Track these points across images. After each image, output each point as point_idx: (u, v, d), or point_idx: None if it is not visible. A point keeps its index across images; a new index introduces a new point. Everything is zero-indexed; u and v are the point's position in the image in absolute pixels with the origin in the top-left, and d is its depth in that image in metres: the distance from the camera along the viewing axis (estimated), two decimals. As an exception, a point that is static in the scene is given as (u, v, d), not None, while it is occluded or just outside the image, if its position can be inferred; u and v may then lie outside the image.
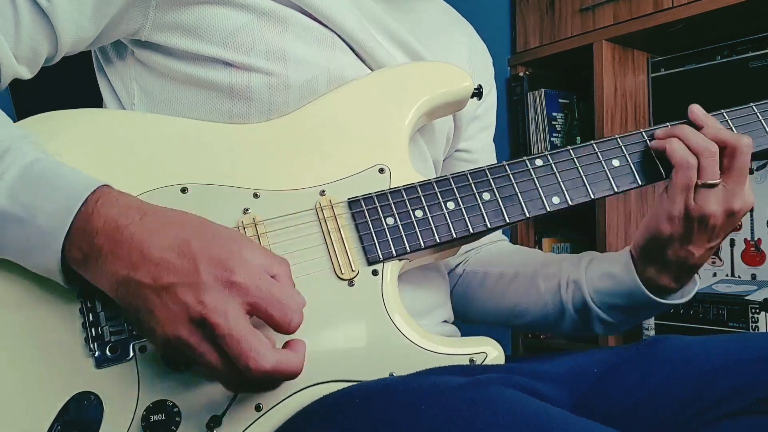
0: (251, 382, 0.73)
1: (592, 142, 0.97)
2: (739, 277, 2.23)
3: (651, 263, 0.99)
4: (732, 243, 2.25)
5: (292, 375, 0.74)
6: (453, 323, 1.08)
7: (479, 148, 1.25)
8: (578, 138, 2.48)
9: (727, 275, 2.26)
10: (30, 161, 0.77)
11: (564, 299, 1.08)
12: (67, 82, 1.06)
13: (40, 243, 0.75)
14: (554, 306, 1.09)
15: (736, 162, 0.92)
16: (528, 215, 0.92)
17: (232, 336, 0.69)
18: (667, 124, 0.98)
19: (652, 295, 0.99)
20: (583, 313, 1.07)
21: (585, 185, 0.95)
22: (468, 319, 1.22)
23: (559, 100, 2.50)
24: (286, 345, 0.76)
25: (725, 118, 0.99)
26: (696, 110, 0.97)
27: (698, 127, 0.95)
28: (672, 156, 0.93)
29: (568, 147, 0.96)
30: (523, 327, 1.15)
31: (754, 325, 1.88)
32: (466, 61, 1.18)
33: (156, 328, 0.72)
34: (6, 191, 0.75)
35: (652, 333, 2.08)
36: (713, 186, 0.91)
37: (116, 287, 0.74)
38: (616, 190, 0.95)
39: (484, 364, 0.87)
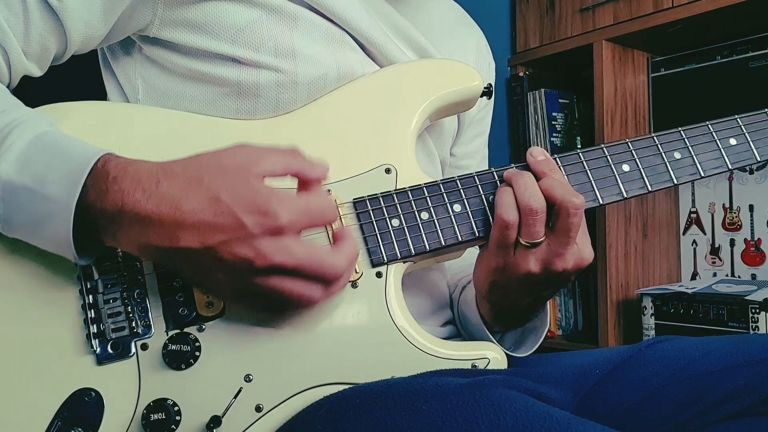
0: (335, 288, 0.79)
1: (602, 145, 0.95)
2: (739, 277, 2.23)
3: (483, 300, 0.97)
4: (732, 243, 2.25)
5: (356, 258, 0.81)
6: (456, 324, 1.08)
7: (470, 153, 1.24)
8: (578, 138, 2.47)
9: (727, 275, 2.26)
10: (39, 133, 0.78)
11: (454, 313, 1.09)
12: (72, 78, 1.06)
13: (52, 213, 0.74)
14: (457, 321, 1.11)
15: (561, 223, 0.85)
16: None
17: (304, 264, 0.74)
18: (513, 165, 0.92)
19: (487, 331, 0.98)
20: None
21: (594, 190, 0.93)
22: None
23: (559, 100, 2.50)
24: (333, 237, 0.82)
25: (738, 123, 0.97)
26: (533, 156, 0.91)
27: (538, 177, 0.89)
28: (496, 209, 0.87)
29: (578, 150, 0.94)
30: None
31: (754, 325, 1.88)
32: (473, 61, 1.17)
33: (225, 285, 0.75)
34: (14, 162, 0.75)
35: (652, 333, 2.08)
36: (534, 246, 0.86)
37: (163, 258, 0.76)
38: (625, 195, 0.93)
39: (486, 368, 0.86)
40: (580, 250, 0.88)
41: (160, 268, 0.83)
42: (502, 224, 0.86)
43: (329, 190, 0.89)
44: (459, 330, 1.07)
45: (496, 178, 0.92)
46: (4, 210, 0.76)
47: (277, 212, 0.72)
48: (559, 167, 0.92)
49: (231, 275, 0.74)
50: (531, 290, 0.90)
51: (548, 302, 0.99)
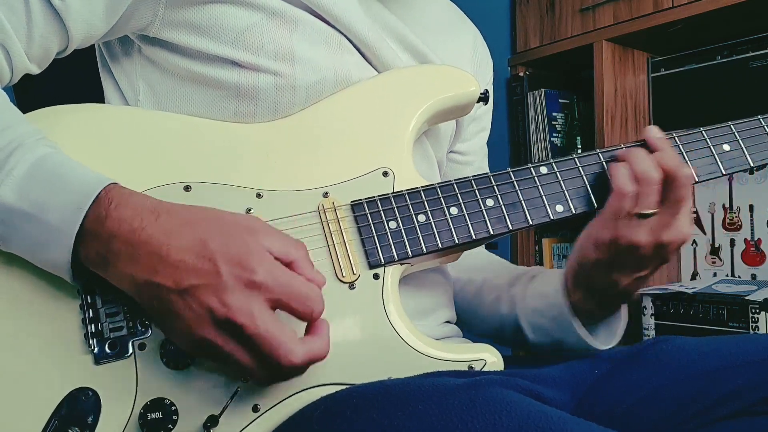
0: (282, 375, 0.75)
1: (598, 151, 0.96)
2: (739, 277, 2.23)
3: (578, 287, 0.97)
4: (732, 243, 2.25)
5: (320, 359, 0.76)
6: (456, 324, 1.08)
7: (474, 150, 1.25)
8: (578, 138, 2.48)
9: (727, 275, 2.26)
10: (39, 157, 0.77)
11: (503, 313, 1.09)
12: (71, 78, 1.06)
13: (51, 240, 0.75)
14: (494, 318, 1.10)
15: (672, 192, 0.88)
16: (531, 223, 0.91)
17: (260, 335, 0.71)
18: (621, 145, 0.96)
19: (574, 322, 0.97)
20: (517, 329, 1.06)
21: (589, 194, 0.94)
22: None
23: (559, 100, 2.50)
24: (308, 328, 0.78)
25: (732, 130, 0.98)
26: (652, 132, 0.94)
27: (652, 150, 0.92)
28: (612, 180, 0.91)
29: (574, 156, 0.95)
30: (475, 333, 1.13)
31: (754, 325, 1.88)
32: (469, 61, 1.17)
33: (182, 330, 0.73)
34: (15, 188, 0.75)
35: (652, 333, 2.08)
36: (647, 216, 0.88)
37: (137, 290, 0.75)
38: None
39: (482, 370, 0.86)
40: (684, 224, 0.90)
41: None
42: (621, 194, 0.88)
43: (327, 193, 0.89)
44: (521, 324, 1.06)
45: (493, 182, 0.92)
46: (3, 231, 0.77)
47: (255, 268, 0.72)
48: (674, 147, 0.94)
49: (191, 322, 0.72)
50: (635, 266, 0.91)
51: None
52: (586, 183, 0.94)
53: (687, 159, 0.96)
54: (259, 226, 0.77)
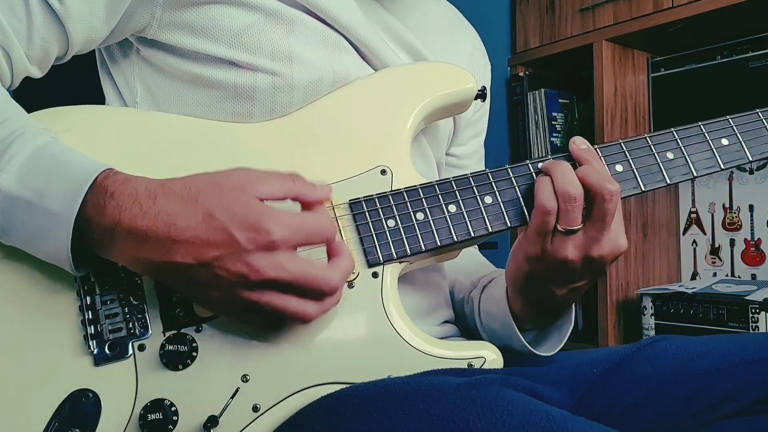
0: (327, 303, 0.79)
1: (596, 146, 0.95)
2: (739, 277, 2.23)
3: (517, 295, 0.97)
4: (732, 243, 2.25)
5: (351, 272, 0.82)
6: (454, 323, 1.08)
7: (468, 154, 1.24)
8: (578, 138, 2.47)
9: (727, 275, 2.26)
10: (39, 145, 0.78)
11: (467, 314, 1.09)
12: (71, 81, 1.06)
13: (51, 227, 0.75)
14: (462, 319, 1.11)
15: (597, 208, 0.86)
16: (530, 220, 0.91)
17: (297, 279, 0.74)
18: (550, 156, 0.94)
19: (515, 327, 0.97)
20: (477, 332, 1.07)
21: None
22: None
23: (559, 100, 2.50)
24: (330, 251, 0.81)
25: (730, 124, 0.98)
26: (575, 144, 0.92)
27: (578, 164, 0.90)
28: (535, 196, 0.88)
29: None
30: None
31: (754, 325, 1.88)
32: (468, 63, 1.17)
33: (219, 299, 0.76)
34: (15, 175, 0.75)
35: (652, 333, 2.09)
36: (572, 232, 0.87)
37: (158, 272, 0.76)
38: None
39: (482, 368, 0.86)
40: (616, 237, 0.88)
41: None
42: (543, 211, 0.87)
43: None
44: (478, 328, 1.07)
45: (491, 179, 0.92)
46: (3, 221, 0.76)
47: (270, 228, 0.73)
48: (600, 157, 0.93)
49: (225, 290, 0.74)
50: (568, 279, 0.91)
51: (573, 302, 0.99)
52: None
53: (686, 154, 0.96)
54: (252, 178, 0.77)
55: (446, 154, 1.20)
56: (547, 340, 1.00)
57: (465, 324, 1.10)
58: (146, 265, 0.75)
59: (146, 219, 0.73)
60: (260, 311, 0.76)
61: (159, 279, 0.79)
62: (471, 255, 1.24)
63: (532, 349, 0.97)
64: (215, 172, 0.78)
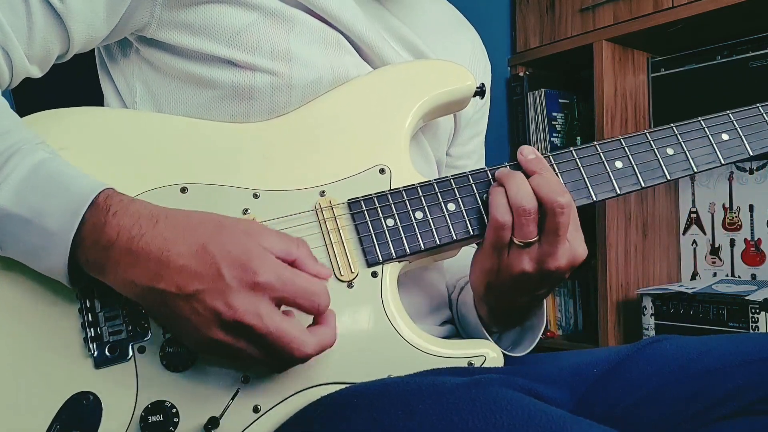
0: (295, 363, 0.77)
1: (595, 143, 0.95)
2: (739, 277, 2.23)
3: (479, 302, 0.97)
4: (732, 243, 2.25)
5: (330, 347, 0.79)
6: (454, 323, 1.08)
7: (466, 154, 1.24)
8: (578, 138, 2.48)
9: (727, 275, 2.26)
10: (36, 163, 0.77)
11: (453, 313, 1.09)
12: (70, 80, 1.06)
13: (48, 245, 0.75)
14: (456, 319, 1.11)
15: (549, 222, 0.85)
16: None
17: (270, 333, 0.72)
18: (506, 164, 0.93)
19: (485, 332, 0.97)
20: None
21: (587, 187, 0.93)
22: None
23: (559, 100, 2.50)
24: (315, 318, 0.79)
25: (731, 119, 0.98)
26: (523, 154, 0.91)
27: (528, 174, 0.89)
28: (489, 210, 0.87)
29: (571, 148, 0.94)
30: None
31: (754, 325, 1.88)
32: (467, 62, 1.17)
33: (190, 333, 0.74)
34: (12, 192, 0.75)
35: (652, 333, 2.09)
36: (528, 245, 0.86)
37: (141, 296, 0.75)
38: (618, 192, 0.93)
39: (482, 366, 0.86)
40: (573, 248, 0.87)
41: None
42: (497, 225, 0.86)
43: (323, 192, 0.89)
44: (458, 330, 1.07)
45: (490, 176, 0.92)
46: (0, 237, 0.77)
47: (257, 269, 0.72)
48: (552, 165, 0.92)
49: (199, 326, 0.73)
50: (526, 289, 0.90)
51: (545, 300, 0.98)
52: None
53: (686, 149, 0.96)
54: (258, 228, 0.77)
55: (446, 154, 1.20)
56: (522, 341, 1.00)
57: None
58: (132, 287, 0.75)
59: (142, 241, 0.73)
60: (230, 354, 0.75)
61: (140, 303, 0.78)
62: (464, 252, 1.25)
63: (505, 351, 0.95)
64: (223, 215, 0.78)
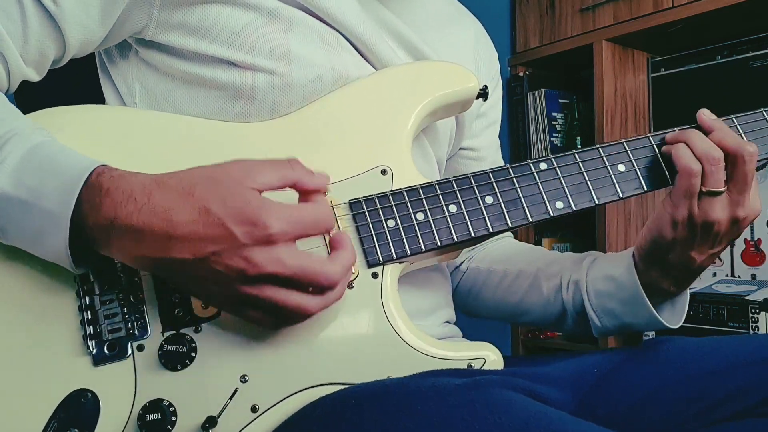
0: (329, 297, 0.78)
1: (598, 146, 0.95)
2: (739, 277, 2.23)
3: (653, 266, 0.96)
4: (732, 243, 2.25)
5: (353, 265, 0.82)
6: (455, 324, 1.08)
7: (485, 145, 1.24)
8: (578, 138, 2.48)
9: (727, 275, 2.26)
10: (34, 144, 0.77)
11: (565, 300, 1.07)
12: (70, 81, 1.06)
13: (48, 225, 0.75)
14: (556, 306, 1.08)
15: (738, 170, 0.89)
16: (531, 220, 0.91)
17: (296, 273, 0.74)
18: (675, 129, 0.96)
19: (649, 302, 0.96)
20: (582, 315, 1.05)
21: (590, 190, 0.93)
22: (472, 314, 1.21)
23: (559, 100, 2.50)
24: (331, 243, 0.81)
25: (734, 123, 0.98)
26: (705, 115, 0.95)
27: (706, 132, 0.93)
28: (676, 162, 0.90)
29: (573, 151, 0.94)
30: (526, 324, 1.13)
31: (754, 325, 1.88)
32: (471, 56, 1.17)
33: (216, 293, 0.75)
34: (10, 175, 0.75)
35: (653, 334, 2.08)
36: (717, 194, 0.89)
37: (155, 267, 0.76)
38: (621, 195, 0.93)
39: (482, 369, 0.86)
40: (755, 198, 0.92)
41: None
42: (689, 173, 0.89)
43: (325, 192, 0.88)
44: (588, 310, 1.04)
45: (492, 179, 0.91)
46: (1, 221, 0.76)
47: (267, 222, 0.72)
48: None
49: (224, 285, 0.74)
50: (710, 242, 0.92)
51: None
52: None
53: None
54: (249, 169, 0.77)
55: (461, 148, 1.20)
56: (661, 314, 0.99)
57: (558, 310, 1.09)
58: (144, 261, 0.75)
59: (142, 215, 0.73)
60: (260, 306, 0.75)
61: (158, 275, 0.79)
62: (508, 243, 1.27)
63: (663, 321, 0.97)
64: (211, 165, 0.77)
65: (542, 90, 2.47)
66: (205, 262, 0.72)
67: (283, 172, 0.78)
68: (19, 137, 0.78)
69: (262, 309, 0.76)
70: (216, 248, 0.72)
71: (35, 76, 0.90)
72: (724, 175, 0.90)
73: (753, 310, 1.89)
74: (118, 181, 0.75)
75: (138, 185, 0.75)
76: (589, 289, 1.04)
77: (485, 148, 1.24)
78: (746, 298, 1.90)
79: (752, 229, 2.20)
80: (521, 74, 2.51)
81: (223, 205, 0.73)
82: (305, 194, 0.81)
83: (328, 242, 0.84)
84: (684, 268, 0.95)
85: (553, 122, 2.47)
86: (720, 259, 2.27)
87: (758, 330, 1.87)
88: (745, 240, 2.21)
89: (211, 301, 0.79)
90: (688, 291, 1.01)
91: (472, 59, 1.17)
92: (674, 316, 1.00)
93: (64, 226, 0.74)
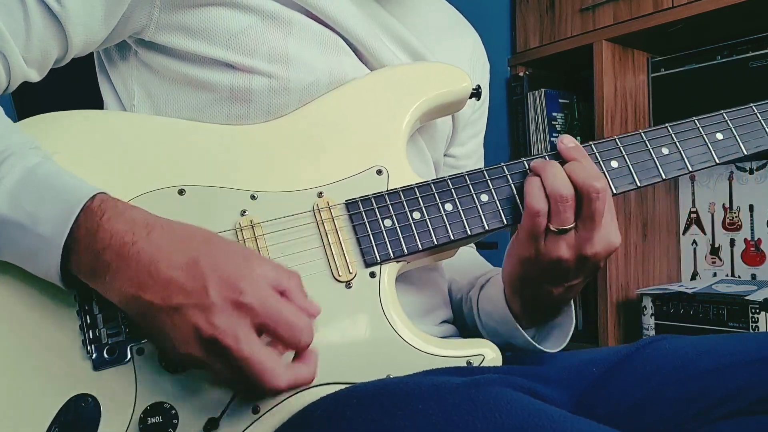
0: (265, 394, 0.75)
1: (591, 143, 0.95)
2: (739, 277, 2.23)
3: (514, 298, 0.97)
4: (732, 243, 2.25)
5: (305, 385, 0.76)
6: (452, 323, 1.08)
7: (466, 154, 1.24)
8: (578, 138, 2.47)
9: (727, 275, 2.26)
10: (30, 167, 0.77)
11: (465, 313, 1.09)
12: (69, 83, 1.06)
13: (40, 250, 0.75)
14: (463, 318, 1.10)
15: (585, 208, 0.86)
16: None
17: (245, 359, 0.70)
18: (545, 154, 0.93)
19: (518, 326, 0.97)
20: (476, 330, 1.06)
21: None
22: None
23: (559, 100, 2.50)
24: (297, 354, 0.76)
25: (725, 118, 0.98)
26: (563, 142, 0.92)
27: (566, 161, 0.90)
28: (525, 198, 0.88)
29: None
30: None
31: (754, 325, 1.88)
32: (466, 65, 1.17)
33: (169, 346, 0.73)
34: (7, 197, 0.75)
35: (652, 333, 2.09)
36: (564, 232, 0.87)
37: (126, 303, 0.75)
38: (614, 192, 0.94)
39: (481, 366, 0.86)
40: (608, 234, 0.88)
41: None
42: (533, 212, 0.86)
43: (321, 193, 0.89)
44: (478, 327, 1.06)
45: (486, 177, 0.92)
46: None
47: (244, 289, 0.71)
48: (594, 153, 0.93)
49: (177, 338, 0.72)
50: (563, 278, 0.90)
51: (572, 300, 0.99)
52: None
53: (681, 149, 0.96)
54: (253, 254, 0.76)
55: (445, 155, 1.20)
56: (548, 338, 1.00)
57: (464, 323, 1.10)
58: (119, 294, 0.74)
59: (134, 248, 0.73)
60: (198, 367, 0.74)
61: (127, 312, 0.77)
62: (467, 254, 1.24)
63: (537, 345, 0.96)
64: (219, 236, 0.77)
65: (542, 90, 2.47)
66: (170, 313, 0.72)
67: (281, 275, 0.75)
68: (15, 157, 0.77)
69: (205, 371, 0.75)
70: (185, 301, 0.71)
71: (36, 77, 0.90)
72: (572, 213, 0.87)
73: (753, 310, 1.88)
74: (122, 211, 0.76)
75: (141, 220, 0.75)
76: (479, 307, 1.05)
77: (466, 158, 1.24)
78: (746, 298, 1.90)
79: (752, 229, 2.20)
80: (521, 74, 2.51)
81: (212, 263, 0.72)
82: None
83: (330, 265, 0.85)
84: (541, 301, 0.94)
85: (553, 122, 2.47)
86: (720, 259, 2.27)
87: (758, 330, 1.87)
88: (745, 240, 2.21)
89: (162, 350, 0.78)
90: (571, 316, 0.99)
91: (468, 65, 1.17)
92: (560, 339, 0.99)
93: (56, 253, 0.74)
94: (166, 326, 0.72)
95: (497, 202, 0.91)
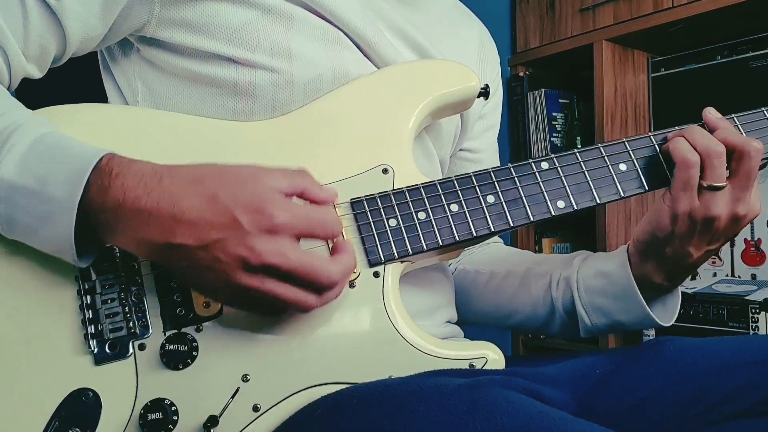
0: (326, 296, 0.79)
1: (599, 145, 0.95)
2: (739, 277, 2.23)
3: (649, 259, 0.96)
4: (732, 243, 2.25)
5: (352, 271, 0.83)
6: (456, 324, 1.08)
7: (484, 147, 1.24)
8: (578, 138, 2.48)
9: (727, 275, 2.26)
10: (40, 135, 0.78)
11: (554, 298, 1.07)
12: (72, 80, 1.06)
13: (54, 213, 0.75)
14: (544, 306, 1.09)
15: (742, 166, 0.89)
16: (532, 219, 0.91)
17: (297, 268, 0.74)
18: (677, 127, 0.96)
19: (641, 297, 0.97)
20: (571, 313, 1.05)
21: (591, 189, 0.93)
22: (459, 320, 1.21)
23: (559, 100, 2.50)
24: (333, 247, 0.83)
25: (736, 122, 0.97)
26: (710, 113, 0.95)
27: (711, 130, 0.93)
28: (674, 154, 0.90)
29: (575, 150, 0.94)
30: (513, 327, 1.13)
31: (754, 325, 1.88)
32: (476, 58, 1.17)
33: (215, 283, 0.75)
34: (16, 164, 0.75)
35: (653, 334, 2.08)
36: (718, 189, 0.89)
37: (157, 254, 0.76)
38: (622, 194, 0.93)
39: (483, 368, 0.86)
40: (756, 198, 0.92)
41: (158, 269, 0.83)
42: (687, 164, 0.89)
43: None
44: (576, 305, 1.04)
45: (494, 178, 0.91)
46: (5, 211, 0.76)
47: (273, 212, 0.73)
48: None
49: (225, 275, 0.74)
50: (708, 238, 0.92)
51: None
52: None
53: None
54: (261, 171, 0.78)
55: (460, 149, 1.20)
56: (653, 311, 1.00)
57: (547, 310, 1.09)
58: (147, 246, 0.75)
59: (150, 199, 0.73)
60: (259, 298, 0.75)
61: (159, 262, 0.79)
62: (500, 249, 1.27)
63: (655, 318, 0.98)
64: (223, 164, 0.78)
65: (542, 90, 2.47)
66: (208, 249, 0.73)
67: (293, 179, 0.78)
68: (24, 127, 0.78)
69: (261, 301, 0.76)
70: (220, 235, 0.72)
71: (37, 73, 0.91)
72: (725, 170, 0.89)
73: (753, 310, 1.88)
74: (128, 165, 0.76)
75: (149, 170, 0.76)
76: (579, 286, 1.04)
77: (483, 151, 1.24)
78: (746, 298, 1.90)
79: (752, 229, 2.19)
80: (521, 74, 2.51)
81: (231, 195, 0.73)
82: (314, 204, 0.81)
83: (330, 247, 0.85)
84: (679, 262, 0.95)
85: (553, 122, 2.47)
86: (720, 259, 2.27)
87: (758, 330, 1.87)
88: (745, 240, 2.20)
89: (208, 291, 0.79)
90: (680, 291, 1.01)
91: (477, 60, 1.17)
92: (666, 314, 1.00)
93: (71, 213, 0.74)
94: (208, 262, 0.73)
95: (503, 203, 0.90)
